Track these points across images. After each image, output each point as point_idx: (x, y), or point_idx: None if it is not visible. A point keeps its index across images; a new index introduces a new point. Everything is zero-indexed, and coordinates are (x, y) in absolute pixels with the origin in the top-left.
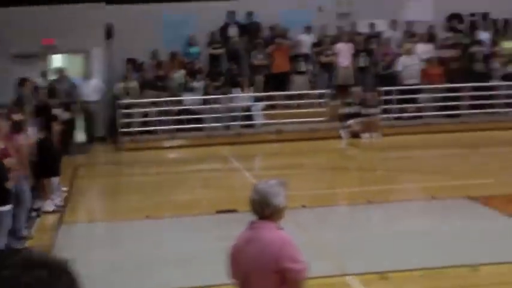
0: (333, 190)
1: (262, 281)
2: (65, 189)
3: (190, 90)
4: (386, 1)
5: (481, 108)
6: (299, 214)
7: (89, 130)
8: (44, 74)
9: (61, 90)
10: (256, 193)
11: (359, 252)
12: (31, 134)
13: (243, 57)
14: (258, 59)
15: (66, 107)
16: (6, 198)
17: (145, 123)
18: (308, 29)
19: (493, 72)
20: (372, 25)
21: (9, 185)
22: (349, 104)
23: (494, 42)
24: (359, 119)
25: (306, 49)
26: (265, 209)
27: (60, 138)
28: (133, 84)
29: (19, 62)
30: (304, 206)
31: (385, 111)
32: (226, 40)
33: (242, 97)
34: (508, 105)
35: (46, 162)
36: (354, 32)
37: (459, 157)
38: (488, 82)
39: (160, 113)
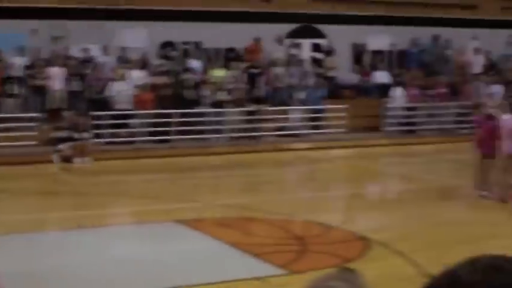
0: (44, 215)
1: None
2: None
3: None
4: (100, 26)
5: (190, 134)
6: (7, 241)
7: None
8: None
9: None
10: None
11: (69, 278)
12: None
13: None
14: None
15: None
16: None
17: None
18: (21, 51)
19: (203, 99)
20: (85, 50)
21: None
22: (61, 128)
23: (205, 70)
24: (71, 143)
25: (18, 72)
26: None
27: None
28: None
29: None
30: (12, 232)
31: (97, 135)
32: None
33: None
34: (216, 131)
35: None
36: (68, 56)
37: (169, 181)
38: (197, 108)
39: None
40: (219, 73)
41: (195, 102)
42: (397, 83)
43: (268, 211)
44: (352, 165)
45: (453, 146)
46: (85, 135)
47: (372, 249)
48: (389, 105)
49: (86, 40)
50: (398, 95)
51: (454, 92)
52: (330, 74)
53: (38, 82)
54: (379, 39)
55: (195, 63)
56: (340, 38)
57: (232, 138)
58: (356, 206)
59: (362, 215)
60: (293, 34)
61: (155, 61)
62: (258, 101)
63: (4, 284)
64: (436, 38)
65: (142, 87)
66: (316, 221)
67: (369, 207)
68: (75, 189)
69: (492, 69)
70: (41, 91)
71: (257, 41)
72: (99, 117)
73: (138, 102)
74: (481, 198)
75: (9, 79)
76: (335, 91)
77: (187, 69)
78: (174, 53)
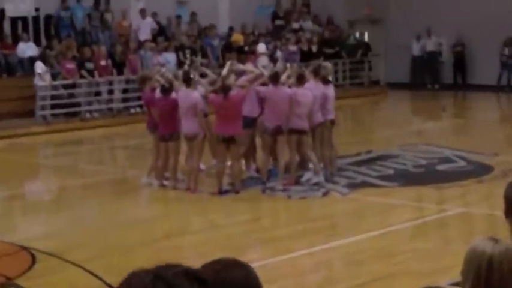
0: None
1: None
2: None
3: None
4: None
5: None
6: None
7: None
8: None
9: None
10: None
11: None
12: None
13: None
14: None
15: None
16: None
17: None
18: None
19: None
20: None
21: None
22: None
23: None
24: None
25: None
26: None
27: None
28: None
29: None
30: None
31: None
32: None
33: None
34: None
35: None
36: None
37: None
38: None
39: None
40: None
41: None
42: (47, 56)
43: None
44: (4, 160)
45: (124, 129)
46: None
47: (39, 261)
48: (39, 84)
49: None
50: (48, 70)
51: (117, 64)
52: None
53: None
54: (19, 2)
55: None
56: None
57: None
58: (15, 211)
59: (23, 221)
60: None
61: None
62: None
63: None
64: None
65: None
66: None
67: (31, 211)
68: None
69: (162, 34)
70: None
71: None
72: None
73: None
74: (164, 189)
75: None
76: None
77: None
78: None
